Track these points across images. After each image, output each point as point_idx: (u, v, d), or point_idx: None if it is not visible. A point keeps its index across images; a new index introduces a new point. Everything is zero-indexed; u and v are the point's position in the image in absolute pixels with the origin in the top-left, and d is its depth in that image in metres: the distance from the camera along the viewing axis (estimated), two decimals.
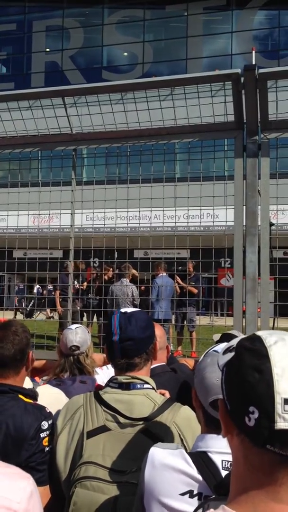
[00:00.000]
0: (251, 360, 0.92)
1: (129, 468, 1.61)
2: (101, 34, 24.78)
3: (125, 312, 1.84)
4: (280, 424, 0.85)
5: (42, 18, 25.45)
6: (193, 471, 1.28)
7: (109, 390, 1.77)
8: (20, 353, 2.06)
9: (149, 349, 1.84)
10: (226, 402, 0.97)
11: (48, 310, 12.36)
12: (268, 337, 0.95)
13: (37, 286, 11.94)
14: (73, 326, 2.79)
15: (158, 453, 1.35)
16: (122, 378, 1.77)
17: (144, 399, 1.74)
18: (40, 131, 3.92)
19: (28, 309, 10.94)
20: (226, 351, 1.03)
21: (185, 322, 8.85)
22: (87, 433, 1.71)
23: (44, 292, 14.20)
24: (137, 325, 1.80)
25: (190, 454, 1.33)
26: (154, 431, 1.67)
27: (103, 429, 1.70)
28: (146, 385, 1.77)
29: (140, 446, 1.63)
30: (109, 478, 1.60)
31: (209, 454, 1.33)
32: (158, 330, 2.46)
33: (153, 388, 1.80)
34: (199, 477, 1.27)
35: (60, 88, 3.72)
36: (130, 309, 1.88)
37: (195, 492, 1.26)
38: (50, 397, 2.30)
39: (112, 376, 1.83)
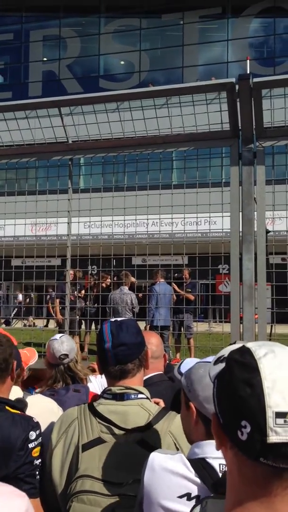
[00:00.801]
0: (241, 373, 0.92)
1: (125, 480, 1.60)
2: (98, 43, 24.92)
3: (116, 320, 1.85)
4: (273, 438, 0.85)
5: (39, 28, 25.59)
6: (191, 474, 1.29)
7: (103, 402, 1.77)
8: (5, 363, 2.04)
9: (141, 355, 1.84)
10: (218, 415, 0.97)
11: (31, 318, 12.25)
12: (258, 349, 0.94)
13: (20, 294, 11.89)
14: (57, 336, 2.79)
15: (157, 458, 1.36)
16: (115, 389, 1.77)
17: (139, 409, 1.73)
18: (37, 140, 3.94)
19: (11, 317, 10.92)
20: (217, 361, 1.03)
21: (182, 330, 8.84)
22: (83, 446, 1.70)
23: (27, 300, 14.07)
24: (129, 331, 1.81)
25: (189, 459, 1.35)
26: (149, 442, 1.67)
27: (98, 441, 1.69)
28: (140, 395, 1.77)
29: (136, 457, 1.62)
30: (106, 491, 1.59)
31: (207, 460, 1.35)
32: (155, 339, 2.46)
33: (147, 398, 1.79)
34: (198, 480, 1.28)
35: (56, 98, 3.74)
36: (120, 318, 1.90)
37: (193, 494, 1.27)
38: (41, 406, 2.29)
39: (106, 388, 1.83)
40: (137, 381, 1.82)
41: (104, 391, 1.82)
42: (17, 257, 4.46)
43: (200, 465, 1.32)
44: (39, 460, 1.89)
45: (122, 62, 24.94)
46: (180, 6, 23.00)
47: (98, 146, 3.78)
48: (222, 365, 1.00)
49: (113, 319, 1.87)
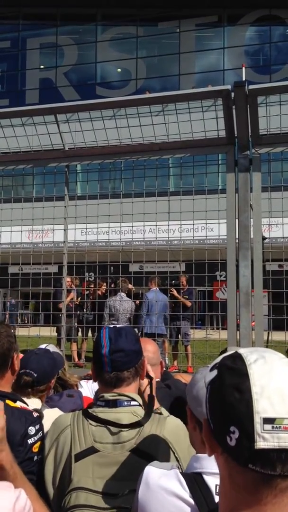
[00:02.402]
0: (231, 379, 0.92)
1: (121, 491, 1.57)
2: (95, 51, 25.05)
3: (114, 327, 1.81)
4: (260, 444, 0.85)
5: (36, 36, 25.70)
6: (186, 494, 1.26)
7: (96, 410, 1.73)
8: (2, 358, 2.02)
9: (138, 364, 1.80)
10: (209, 421, 0.97)
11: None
12: (249, 355, 0.94)
13: (9, 301, 11.78)
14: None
15: (152, 473, 1.33)
16: (108, 395, 1.73)
17: (131, 416, 1.70)
18: (33, 147, 3.94)
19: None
20: (212, 368, 1.03)
21: (179, 337, 8.81)
22: (75, 456, 1.65)
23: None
24: (128, 337, 1.77)
25: (184, 475, 1.31)
26: (143, 449, 1.64)
27: (92, 450, 1.65)
28: (133, 402, 1.74)
29: (131, 466, 1.61)
30: (101, 503, 1.56)
31: (204, 476, 1.31)
32: (152, 346, 2.44)
33: (140, 405, 1.76)
34: (191, 501, 1.25)
35: (53, 105, 3.74)
36: (118, 325, 1.86)
37: None
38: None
39: (99, 394, 1.79)
40: (131, 390, 1.78)
41: (97, 398, 1.79)
42: (14, 264, 4.45)
43: (196, 484, 1.29)
44: (40, 456, 1.85)
45: (119, 70, 25.06)
46: (177, 14, 23.17)
47: (94, 153, 3.78)
48: (216, 372, 1.00)
49: (111, 325, 1.84)
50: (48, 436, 1.82)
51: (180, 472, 1.33)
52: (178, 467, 1.38)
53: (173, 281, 8.02)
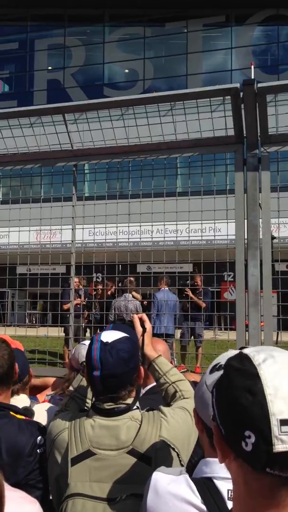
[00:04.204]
0: (241, 381, 0.89)
1: (119, 495, 1.55)
2: (102, 52, 25.08)
3: (106, 343, 1.68)
4: (279, 447, 0.82)
5: (44, 37, 25.80)
6: (197, 500, 1.21)
7: (95, 417, 1.68)
8: (5, 375, 2.01)
9: (133, 379, 1.73)
10: (220, 426, 0.93)
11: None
12: (256, 355, 0.92)
13: None
14: (86, 342, 2.76)
15: (161, 479, 1.28)
16: (105, 405, 1.68)
17: (130, 422, 1.66)
18: (41, 147, 3.94)
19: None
20: (213, 369, 1.00)
21: (192, 337, 8.77)
22: (72, 459, 1.62)
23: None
24: (120, 357, 1.66)
25: (194, 480, 1.26)
26: (141, 451, 1.61)
27: (88, 454, 1.62)
28: (130, 407, 1.70)
29: (128, 468, 1.58)
30: (99, 509, 1.54)
31: (215, 480, 1.26)
32: (162, 346, 2.42)
33: (137, 408, 1.73)
34: (203, 507, 1.20)
35: (61, 105, 3.74)
36: (112, 336, 1.72)
37: None
38: (45, 415, 2.28)
39: (95, 401, 1.73)
40: (129, 397, 1.73)
41: (94, 404, 1.73)
42: (22, 264, 4.45)
43: (207, 489, 1.24)
44: (45, 464, 1.84)
45: (127, 71, 25.09)
46: (184, 14, 23.15)
47: (102, 152, 3.77)
48: (219, 373, 0.97)
49: (104, 339, 1.70)
50: (46, 440, 1.81)
51: (190, 477, 1.28)
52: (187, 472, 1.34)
53: (188, 281, 7.97)
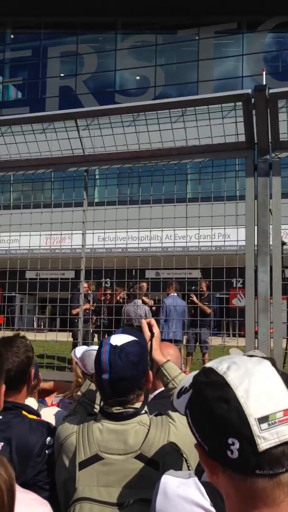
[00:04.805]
0: (212, 392, 0.91)
1: (126, 499, 1.55)
2: (114, 59, 25.24)
3: (115, 346, 1.68)
4: (263, 445, 0.84)
5: (56, 44, 26.02)
6: (207, 503, 1.21)
7: (103, 421, 1.68)
8: (20, 374, 2.03)
9: (141, 383, 1.73)
10: (202, 444, 0.94)
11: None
12: (219, 365, 0.95)
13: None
14: (95, 347, 2.76)
15: (170, 482, 1.28)
16: (114, 409, 1.68)
17: (138, 426, 1.66)
18: (53, 153, 3.96)
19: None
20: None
21: (197, 343, 8.72)
22: (79, 464, 1.62)
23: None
24: (129, 361, 1.65)
25: (203, 483, 1.26)
26: (149, 456, 1.60)
27: (96, 458, 1.62)
28: (139, 412, 1.69)
29: (136, 473, 1.58)
30: None
31: None
32: (173, 350, 2.41)
33: (145, 412, 1.72)
34: (213, 510, 1.20)
35: (73, 110, 3.77)
36: (121, 339, 1.72)
37: None
38: (52, 419, 2.28)
39: (103, 405, 1.73)
40: (138, 401, 1.73)
41: (102, 409, 1.73)
42: (32, 269, 4.47)
43: (216, 492, 1.23)
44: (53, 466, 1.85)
45: (138, 77, 25.22)
46: (196, 22, 23.23)
47: (113, 157, 3.78)
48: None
49: (113, 342, 1.70)
50: (54, 444, 1.82)
51: (199, 480, 1.28)
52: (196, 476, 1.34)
53: (193, 287, 7.95)
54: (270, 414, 0.86)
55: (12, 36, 27.15)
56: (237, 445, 0.86)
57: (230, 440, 0.87)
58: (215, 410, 0.89)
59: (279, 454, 0.84)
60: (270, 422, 0.85)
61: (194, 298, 7.75)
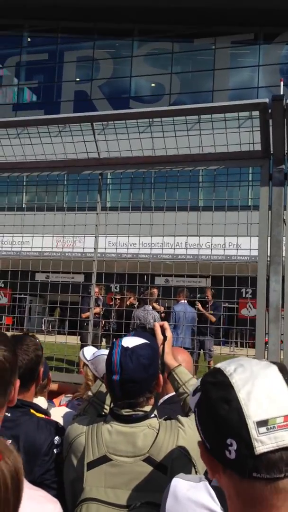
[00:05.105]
0: (216, 392, 0.92)
1: (133, 501, 1.55)
2: (130, 65, 25.36)
3: (127, 348, 1.69)
4: (260, 448, 0.85)
5: (73, 49, 26.20)
6: (217, 507, 1.20)
7: (112, 423, 1.68)
8: (30, 372, 2.04)
9: (152, 386, 1.73)
10: (205, 442, 0.96)
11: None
12: (227, 366, 0.96)
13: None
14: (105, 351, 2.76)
15: (180, 485, 1.28)
16: (123, 411, 1.68)
17: (147, 430, 1.66)
18: (68, 155, 3.99)
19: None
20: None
21: (201, 351, 8.67)
22: (88, 464, 1.63)
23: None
24: (140, 363, 1.66)
25: (213, 487, 1.26)
26: (157, 459, 1.60)
27: (105, 459, 1.62)
28: (148, 415, 1.70)
29: (143, 476, 1.58)
30: None
31: None
32: (184, 355, 2.41)
33: (155, 416, 1.72)
34: None
35: (90, 114, 3.80)
36: (133, 341, 1.73)
37: None
38: (61, 419, 2.28)
39: (113, 406, 1.74)
40: (146, 408, 1.73)
41: (112, 410, 1.74)
42: (42, 271, 4.49)
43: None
44: (62, 465, 1.84)
45: (153, 85, 25.31)
46: (213, 31, 23.31)
47: (128, 162, 3.80)
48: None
49: (125, 344, 1.71)
50: (63, 443, 1.82)
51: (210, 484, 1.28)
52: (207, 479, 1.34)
53: (199, 295, 7.92)
54: (270, 418, 0.86)
55: (29, 39, 27.38)
56: (234, 446, 0.87)
57: (228, 441, 0.88)
58: (217, 410, 0.91)
59: (277, 459, 0.85)
60: (269, 427, 0.85)
61: (200, 306, 7.74)
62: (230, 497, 0.94)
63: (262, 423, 0.85)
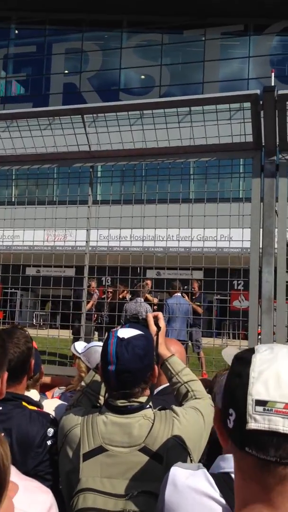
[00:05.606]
0: (236, 367, 0.97)
1: (129, 491, 1.56)
2: (119, 57, 25.21)
3: (122, 339, 1.70)
4: (251, 425, 0.88)
5: (61, 41, 25.98)
6: (216, 493, 1.21)
7: (107, 413, 1.69)
8: (21, 365, 2.04)
9: (147, 376, 1.74)
10: (220, 409, 1.02)
11: None
12: (261, 347, 0.99)
13: None
14: (99, 343, 2.77)
15: (179, 473, 1.28)
16: (118, 402, 1.69)
17: (142, 420, 1.67)
18: (59, 148, 3.96)
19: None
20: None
21: (190, 343, 8.72)
22: (83, 455, 1.63)
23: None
24: (135, 353, 1.67)
25: (212, 475, 1.28)
26: (153, 449, 1.62)
27: (100, 450, 1.63)
28: (143, 405, 1.71)
29: (139, 465, 1.59)
30: (109, 505, 1.54)
31: (232, 475, 1.24)
32: (176, 346, 2.42)
33: (150, 407, 1.73)
34: (222, 500, 1.20)
35: (80, 106, 3.76)
36: (128, 333, 1.74)
37: None
38: (54, 411, 2.29)
39: (108, 397, 1.75)
40: (143, 395, 1.74)
41: (107, 401, 1.75)
42: (33, 265, 4.46)
43: (225, 483, 1.25)
44: (57, 457, 1.84)
45: (143, 77, 25.20)
46: (203, 22, 23.21)
47: (119, 154, 3.78)
48: None
49: (120, 335, 1.72)
50: (58, 435, 1.82)
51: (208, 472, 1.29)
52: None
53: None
54: (270, 401, 0.88)
55: (16, 31, 27.11)
56: (233, 417, 0.92)
57: (230, 411, 0.93)
58: (230, 380, 0.96)
59: (267, 441, 0.87)
60: (266, 408, 0.88)
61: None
62: (235, 470, 0.98)
63: (261, 403, 0.88)
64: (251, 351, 0.98)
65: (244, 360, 0.96)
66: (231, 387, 0.95)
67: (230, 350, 2.70)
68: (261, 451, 0.87)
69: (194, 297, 8.43)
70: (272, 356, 0.94)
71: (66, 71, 26.12)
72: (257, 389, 0.89)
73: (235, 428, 0.91)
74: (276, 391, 0.88)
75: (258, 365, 0.92)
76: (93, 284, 7.80)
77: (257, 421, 0.87)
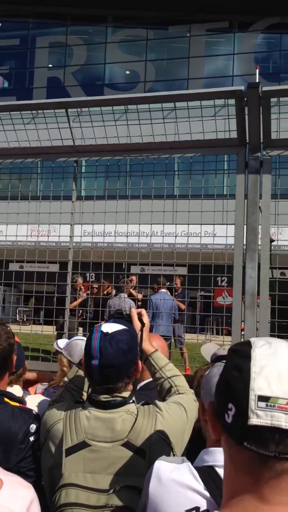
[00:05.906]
0: (235, 360, 0.96)
1: (112, 486, 1.55)
2: (104, 52, 25.09)
3: (106, 333, 1.70)
4: (253, 420, 0.88)
5: (45, 34, 25.74)
6: (200, 486, 1.22)
7: (90, 409, 1.69)
8: (2, 361, 2.02)
9: (130, 371, 1.74)
10: (214, 402, 1.01)
11: None
12: (257, 341, 0.99)
13: None
14: (83, 338, 2.77)
15: (164, 467, 1.29)
16: (101, 397, 1.69)
17: (125, 415, 1.67)
18: (42, 142, 3.92)
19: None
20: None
21: (172, 338, 8.77)
22: (66, 450, 1.63)
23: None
24: (119, 348, 1.67)
25: (196, 468, 1.28)
26: (135, 444, 1.62)
27: (83, 445, 1.63)
28: (126, 400, 1.71)
29: (122, 460, 1.59)
30: (92, 500, 1.54)
31: (216, 468, 1.29)
32: (158, 341, 2.42)
33: (133, 402, 1.74)
34: (207, 493, 1.21)
35: (64, 100, 3.73)
36: (112, 327, 1.74)
37: (202, 509, 1.20)
38: (37, 407, 2.28)
39: (92, 393, 1.74)
40: (126, 390, 1.74)
41: (90, 396, 1.74)
42: (16, 260, 4.42)
43: (209, 476, 1.26)
44: (39, 453, 1.83)
45: (128, 72, 25.13)
46: (188, 19, 23.20)
47: (104, 149, 3.76)
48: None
49: (104, 330, 1.71)
50: (40, 430, 1.81)
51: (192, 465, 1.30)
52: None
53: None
54: (273, 396, 0.88)
55: None
56: (233, 411, 0.91)
57: (229, 405, 0.92)
58: (229, 374, 0.95)
59: (268, 437, 0.87)
60: (269, 404, 0.88)
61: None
62: (226, 461, 0.97)
63: (263, 398, 0.88)
64: (248, 344, 0.97)
65: (242, 353, 0.95)
66: (229, 381, 0.94)
67: (209, 346, 2.72)
68: (261, 446, 0.87)
69: (176, 293, 8.47)
70: (272, 351, 0.94)
71: (50, 65, 25.90)
72: (259, 384, 0.89)
73: (235, 423, 0.91)
74: (278, 387, 0.89)
75: (258, 360, 0.92)
76: (80, 280, 7.77)
77: (260, 417, 0.87)
